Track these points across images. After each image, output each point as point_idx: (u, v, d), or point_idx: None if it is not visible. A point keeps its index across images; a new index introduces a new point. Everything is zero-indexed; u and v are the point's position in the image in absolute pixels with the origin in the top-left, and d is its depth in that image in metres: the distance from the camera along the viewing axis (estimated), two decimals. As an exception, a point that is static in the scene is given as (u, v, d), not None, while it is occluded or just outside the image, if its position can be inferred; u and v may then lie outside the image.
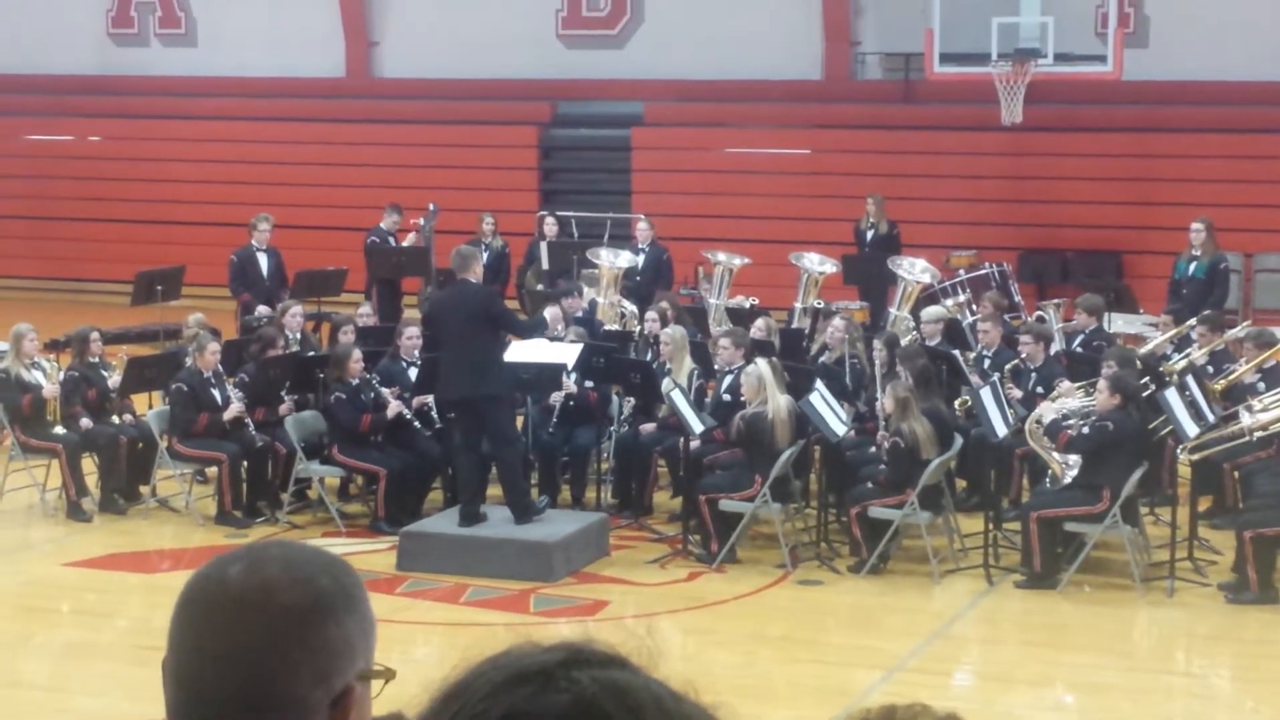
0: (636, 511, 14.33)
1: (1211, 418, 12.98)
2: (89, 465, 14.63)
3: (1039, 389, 13.99)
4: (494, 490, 13.80)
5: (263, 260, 19.26)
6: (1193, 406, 12.84)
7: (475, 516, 13.09)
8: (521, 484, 13.40)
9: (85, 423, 14.46)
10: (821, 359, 15.26)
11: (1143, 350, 15.29)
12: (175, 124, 27.07)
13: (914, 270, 18.04)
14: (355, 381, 14.04)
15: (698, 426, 13.34)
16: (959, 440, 13.23)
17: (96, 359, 14.96)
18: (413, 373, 14.46)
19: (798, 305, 18.37)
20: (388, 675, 2.14)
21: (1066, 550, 12.68)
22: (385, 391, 14.07)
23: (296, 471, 14.21)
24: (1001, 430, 12.97)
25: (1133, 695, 10.55)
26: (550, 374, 13.87)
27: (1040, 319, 16.26)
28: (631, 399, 14.84)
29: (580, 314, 16.32)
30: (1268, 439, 13.03)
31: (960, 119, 23.29)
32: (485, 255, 20.43)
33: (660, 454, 14.38)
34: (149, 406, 15.24)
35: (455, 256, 13.45)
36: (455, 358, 13.00)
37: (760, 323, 15.63)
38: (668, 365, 14.49)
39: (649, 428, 14.46)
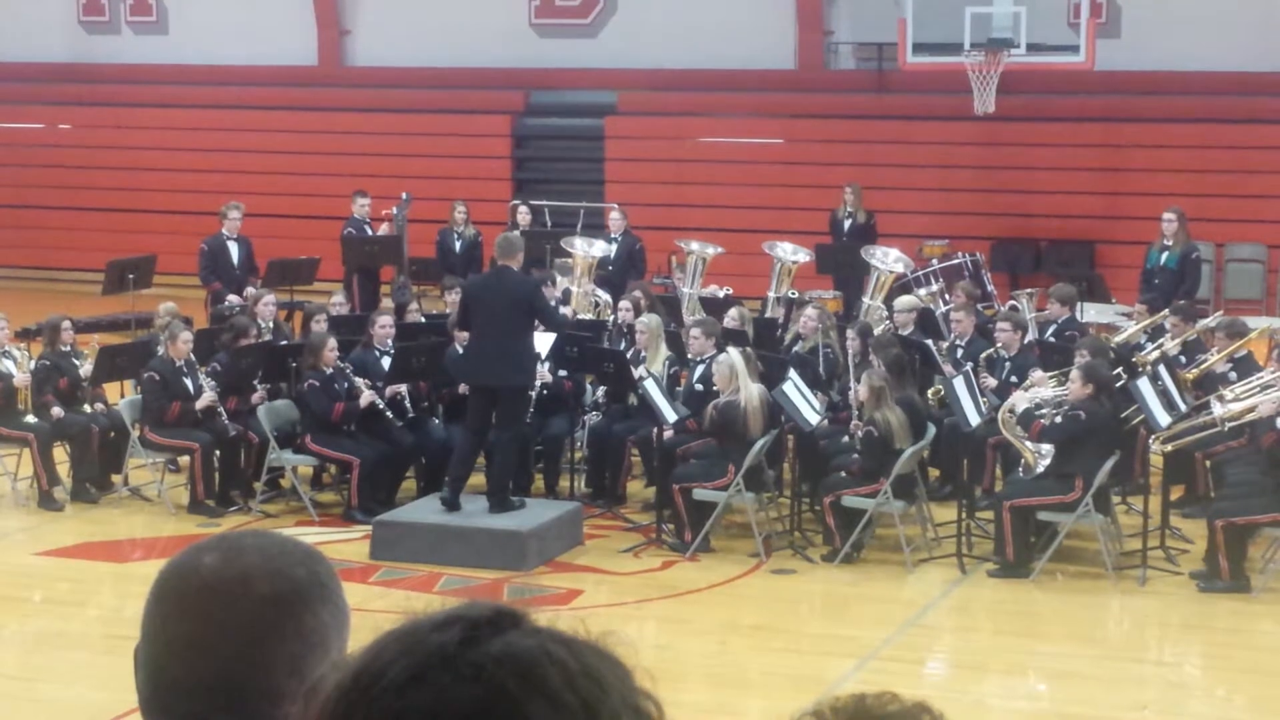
0: (610, 501, 14.33)
1: (1183, 407, 13.02)
2: (61, 454, 14.59)
3: (1013, 378, 14.01)
4: (470, 479, 13.77)
5: (233, 249, 19.19)
6: (1165, 396, 12.88)
7: (457, 503, 13.10)
8: (510, 475, 13.40)
9: (57, 411, 14.40)
10: (795, 348, 15.27)
11: (1115, 340, 15.32)
12: (147, 112, 26.98)
13: (887, 260, 18.04)
14: (329, 370, 14.01)
15: (671, 416, 13.35)
16: (932, 429, 13.25)
17: (68, 348, 14.90)
18: (386, 362, 14.45)
19: (771, 294, 18.37)
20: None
21: (1039, 539, 12.71)
22: (359, 381, 14.04)
23: (269, 461, 14.17)
24: (974, 419, 12.99)
25: (1105, 684, 10.57)
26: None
27: (1013, 308, 16.29)
28: (603, 387, 14.86)
29: (554, 303, 16.30)
30: (1239, 428, 13.07)
31: (933, 109, 23.32)
32: (458, 244, 20.46)
33: (634, 443, 14.38)
34: (121, 395, 15.20)
35: (502, 242, 13.51)
36: (489, 343, 13.03)
37: (734, 312, 15.62)
38: (643, 354, 14.49)
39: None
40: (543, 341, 14.15)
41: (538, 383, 14.19)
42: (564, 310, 16.22)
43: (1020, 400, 12.97)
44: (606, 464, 14.50)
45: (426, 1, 26.04)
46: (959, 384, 13.12)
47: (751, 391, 12.94)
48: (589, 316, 16.95)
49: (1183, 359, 14.51)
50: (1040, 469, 12.62)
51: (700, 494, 13.00)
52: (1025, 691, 10.89)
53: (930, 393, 14.18)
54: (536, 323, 14.02)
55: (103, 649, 10.88)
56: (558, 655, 1.63)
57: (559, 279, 17.49)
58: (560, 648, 1.64)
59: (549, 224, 21.54)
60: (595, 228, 20.66)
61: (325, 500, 14.64)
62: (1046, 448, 12.61)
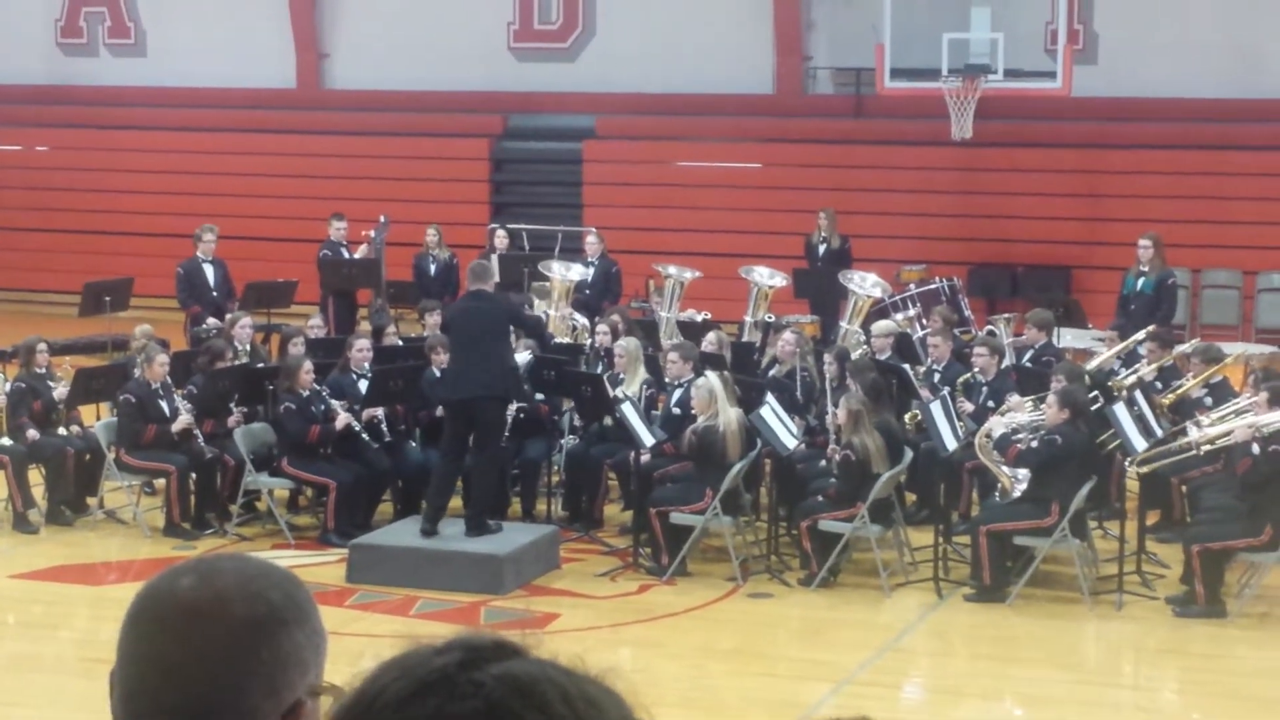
0: (587, 524, 14.32)
1: (1159, 432, 13.06)
2: (35, 477, 14.53)
3: (990, 403, 14.04)
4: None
5: (209, 271, 19.17)
6: (1141, 421, 12.91)
7: (435, 531, 13.10)
8: (488, 498, 13.40)
9: (32, 434, 14.36)
10: (772, 372, 15.27)
11: (1090, 365, 15.35)
12: (124, 134, 26.93)
13: (864, 284, 18.08)
14: (305, 393, 13.99)
15: (648, 439, 13.34)
16: (909, 454, 13.26)
17: (43, 370, 14.86)
18: (363, 385, 14.43)
19: (748, 319, 18.38)
20: (336, 693, 2.13)
21: (1015, 564, 12.72)
22: (335, 403, 14.02)
23: (245, 483, 14.14)
24: (951, 444, 13.01)
25: (1081, 708, 10.59)
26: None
27: (991, 333, 16.32)
28: (572, 410, 14.88)
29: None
30: (1215, 453, 13.10)
31: (911, 134, 23.37)
32: (433, 267, 20.45)
33: (611, 467, 14.37)
34: (97, 418, 15.15)
35: (475, 268, 13.84)
36: (468, 361, 13.10)
37: (712, 336, 15.64)
38: (621, 376, 14.50)
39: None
40: (520, 364, 14.16)
41: (513, 407, 14.17)
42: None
43: (997, 425, 12.99)
44: (583, 487, 14.49)
45: (405, 25, 26.05)
46: (936, 408, 13.14)
47: (730, 416, 12.94)
48: (566, 340, 16.95)
49: (1159, 384, 14.54)
50: (1017, 493, 12.64)
51: (677, 518, 13.00)
52: (1002, 716, 10.90)
53: (907, 417, 14.19)
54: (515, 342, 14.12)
55: (77, 672, 10.84)
56: (557, 679, 1.65)
57: (536, 302, 17.50)
58: (560, 674, 1.66)
59: (527, 247, 21.54)
60: (573, 251, 20.66)
61: (301, 523, 14.61)
62: (1023, 472, 12.63)
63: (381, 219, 20.17)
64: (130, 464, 14.17)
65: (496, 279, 19.45)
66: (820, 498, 12.99)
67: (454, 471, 13.45)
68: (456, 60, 25.61)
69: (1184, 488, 13.76)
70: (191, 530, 14.11)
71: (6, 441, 14.36)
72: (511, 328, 13.72)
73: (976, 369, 14.52)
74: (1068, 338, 17.38)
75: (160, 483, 14.49)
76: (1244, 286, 22.59)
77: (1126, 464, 13.13)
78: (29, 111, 27.61)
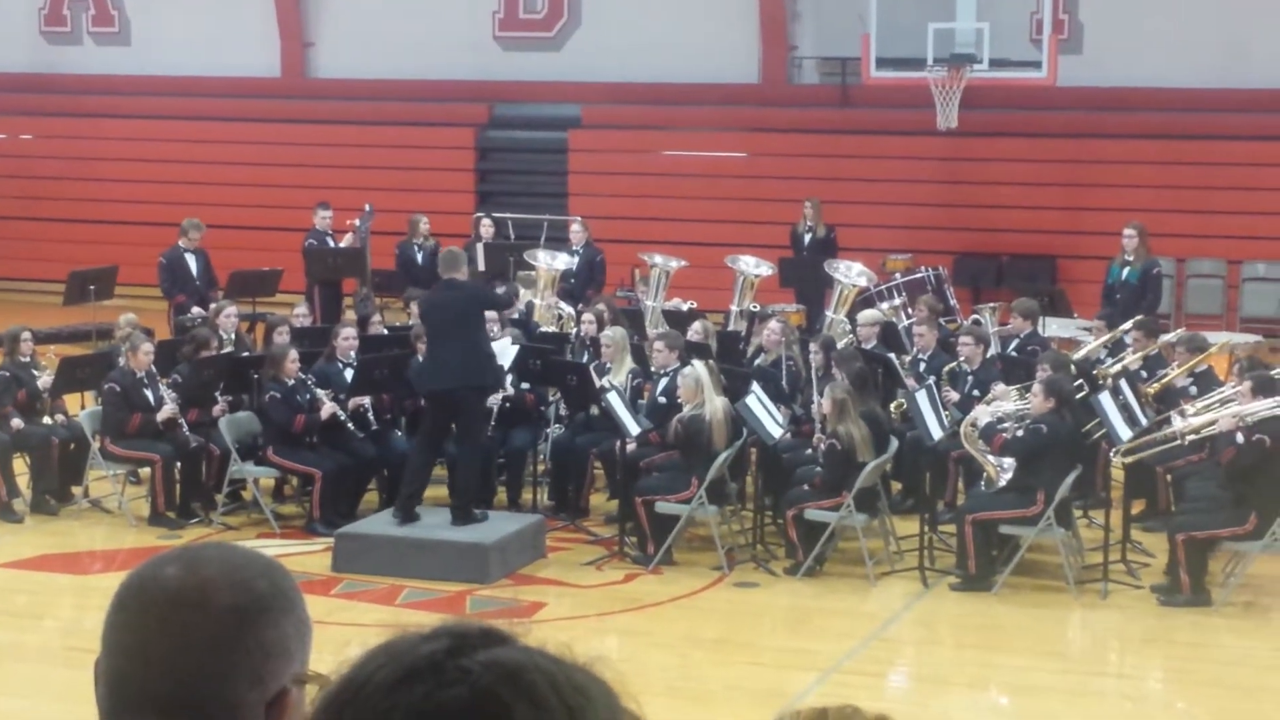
0: (573, 513, 14.32)
1: (1144, 421, 13.09)
2: (20, 466, 14.51)
3: (975, 392, 14.05)
4: (432, 492, 13.75)
5: (191, 261, 19.15)
6: (1126, 410, 12.94)
7: (413, 514, 13.09)
8: (473, 487, 13.40)
9: (16, 423, 14.33)
10: (758, 361, 15.28)
11: (1077, 354, 15.37)
12: (109, 123, 26.86)
13: (850, 273, 18.08)
14: (291, 382, 13.97)
15: (634, 428, 13.34)
16: (895, 443, 13.27)
17: (28, 359, 14.83)
18: (348, 374, 14.42)
19: (734, 308, 18.39)
20: (322, 682, 2.13)
21: (1001, 553, 12.74)
22: (320, 392, 14.01)
23: (231, 473, 14.12)
24: (937, 433, 13.03)
25: (1066, 697, 10.61)
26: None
27: (976, 323, 16.34)
28: (558, 399, 14.89)
29: (517, 315, 16.31)
30: (1199, 442, 13.13)
31: (896, 123, 23.37)
32: (419, 256, 20.42)
33: (597, 456, 14.37)
34: (81, 407, 15.13)
35: (446, 256, 13.78)
36: (446, 350, 13.09)
37: (697, 325, 15.63)
38: (608, 366, 14.50)
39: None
40: (505, 353, 14.16)
41: (498, 395, 14.17)
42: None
43: (982, 414, 13.00)
44: (569, 477, 14.49)
45: (390, 14, 26.01)
46: (921, 397, 13.15)
47: (716, 405, 12.95)
48: (552, 329, 16.95)
49: (1144, 374, 14.56)
50: (1002, 482, 12.65)
51: (663, 507, 13.00)
52: (987, 705, 10.92)
53: (893, 406, 14.20)
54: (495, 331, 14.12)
55: (62, 661, 10.83)
56: (545, 667, 1.65)
57: (522, 291, 17.49)
58: (548, 662, 1.67)
59: (512, 236, 21.53)
60: (559, 240, 20.65)
61: (287, 512, 14.60)
62: (1008, 461, 12.64)
63: (366, 208, 20.14)
64: (115, 453, 14.14)
65: (480, 266, 19.54)
66: (806, 487, 13.00)
67: (429, 461, 13.46)
68: (442, 49, 25.58)
69: (1169, 477, 13.79)
70: (177, 519, 14.09)
71: (-9, 430, 14.34)
72: (490, 314, 13.75)
73: (962, 358, 14.55)
74: (1053, 327, 17.40)
75: (145, 472, 14.47)
76: (1229, 276, 22.63)
77: (1111, 453, 13.19)
78: (12, 100, 27.52)
